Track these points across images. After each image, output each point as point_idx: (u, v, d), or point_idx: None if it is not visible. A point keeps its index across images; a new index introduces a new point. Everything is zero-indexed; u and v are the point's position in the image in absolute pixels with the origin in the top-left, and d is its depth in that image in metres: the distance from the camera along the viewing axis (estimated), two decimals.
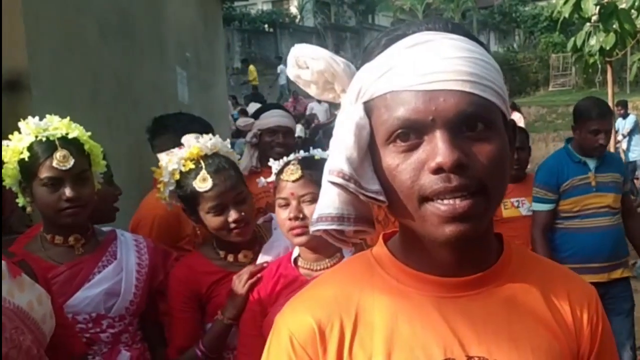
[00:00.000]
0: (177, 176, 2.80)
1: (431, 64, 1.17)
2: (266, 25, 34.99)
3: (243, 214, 2.80)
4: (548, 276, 1.38)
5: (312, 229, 1.32)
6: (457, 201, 1.15)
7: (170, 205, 2.95)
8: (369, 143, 1.25)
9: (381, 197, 1.25)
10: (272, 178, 2.75)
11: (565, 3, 8.54)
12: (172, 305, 2.86)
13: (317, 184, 2.52)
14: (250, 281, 2.67)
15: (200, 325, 2.89)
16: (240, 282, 2.68)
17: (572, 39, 9.22)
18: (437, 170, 1.15)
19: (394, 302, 1.29)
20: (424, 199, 1.18)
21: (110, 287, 2.76)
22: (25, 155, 2.56)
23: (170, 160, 2.81)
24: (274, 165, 2.75)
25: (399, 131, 1.19)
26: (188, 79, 8.37)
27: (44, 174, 2.57)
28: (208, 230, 2.88)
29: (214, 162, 2.81)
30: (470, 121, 1.17)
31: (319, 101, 20.63)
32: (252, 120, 4.44)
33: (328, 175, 1.26)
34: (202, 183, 2.76)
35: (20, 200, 2.67)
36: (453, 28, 1.24)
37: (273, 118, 4.40)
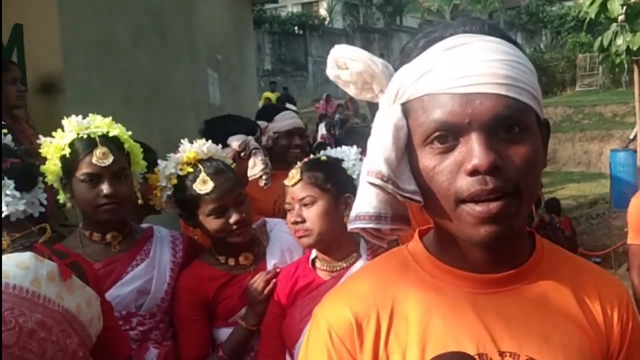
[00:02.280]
0: (175, 180, 2.80)
1: (468, 67, 1.18)
2: (296, 28, 34.97)
3: (244, 215, 2.79)
4: (579, 274, 1.38)
5: (350, 226, 1.34)
6: (492, 203, 1.16)
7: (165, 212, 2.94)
8: (406, 144, 1.26)
9: (417, 197, 1.26)
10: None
11: (591, 4, 8.47)
12: (181, 316, 2.82)
13: (317, 185, 2.53)
14: (267, 288, 2.69)
15: (209, 333, 2.88)
16: (257, 290, 2.70)
17: (599, 38, 9.14)
18: (473, 172, 1.16)
19: (429, 297, 1.31)
20: (461, 200, 1.19)
21: (141, 286, 2.77)
22: (67, 151, 2.59)
23: (167, 165, 2.81)
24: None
25: (436, 133, 1.20)
26: (219, 81, 8.42)
27: (84, 170, 2.60)
28: (206, 235, 2.88)
29: (212, 164, 2.81)
30: (506, 124, 1.18)
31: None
32: (264, 122, 4.35)
33: (367, 176, 1.27)
34: (203, 185, 2.74)
35: (61, 197, 2.70)
36: (489, 30, 1.25)
37: (289, 120, 4.29)
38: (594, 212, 13.78)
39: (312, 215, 2.54)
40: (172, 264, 2.86)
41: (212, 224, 2.76)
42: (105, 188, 2.61)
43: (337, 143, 13.57)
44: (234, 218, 2.75)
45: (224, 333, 2.83)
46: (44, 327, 2.03)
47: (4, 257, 2.06)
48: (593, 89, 27.47)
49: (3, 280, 1.98)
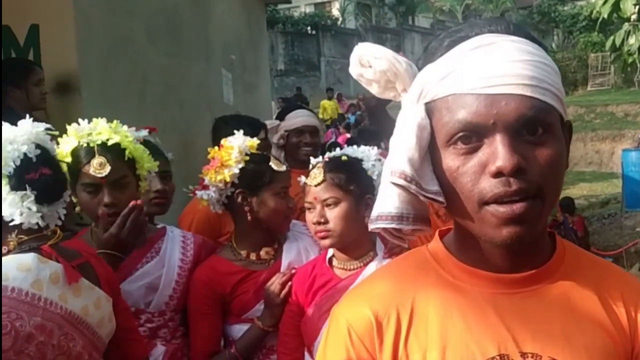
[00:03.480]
0: (247, 158, 2.85)
1: (493, 67, 1.18)
2: (309, 28, 34.94)
3: (292, 205, 2.94)
4: (601, 275, 1.37)
5: (371, 226, 1.33)
6: (516, 204, 1.16)
7: (213, 204, 2.94)
8: (429, 144, 1.26)
9: (440, 198, 1.26)
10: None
11: (604, 3, 8.46)
12: (194, 308, 2.86)
13: (341, 187, 2.55)
14: (284, 292, 2.71)
15: (221, 329, 2.92)
16: (275, 293, 2.73)
17: (611, 38, 9.12)
18: (497, 174, 1.16)
19: (449, 297, 1.31)
20: (484, 202, 1.19)
21: (150, 283, 2.80)
22: (69, 159, 2.60)
23: (236, 145, 2.87)
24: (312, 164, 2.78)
25: (460, 134, 1.20)
26: (233, 81, 8.43)
27: (84, 179, 2.61)
28: (257, 217, 2.88)
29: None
30: (530, 125, 1.17)
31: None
32: (277, 121, 4.40)
33: (390, 176, 1.27)
34: (279, 166, 2.89)
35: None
36: (515, 30, 1.25)
37: (299, 118, 4.37)
38: (606, 212, 13.75)
39: (335, 216, 2.56)
40: (182, 263, 2.89)
41: (276, 202, 2.85)
42: (105, 198, 2.62)
43: (349, 143, 13.56)
44: (292, 203, 2.91)
45: (237, 329, 2.87)
46: (44, 330, 2.02)
47: (5, 258, 2.05)
48: (605, 88, 27.36)
49: (3, 282, 1.96)
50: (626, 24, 8.84)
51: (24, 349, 1.95)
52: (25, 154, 2.14)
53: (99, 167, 2.59)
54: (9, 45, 4.62)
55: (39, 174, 2.16)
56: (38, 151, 2.18)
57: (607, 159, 18.73)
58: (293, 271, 2.76)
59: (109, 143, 2.63)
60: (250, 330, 2.81)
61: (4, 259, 2.05)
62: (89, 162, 2.59)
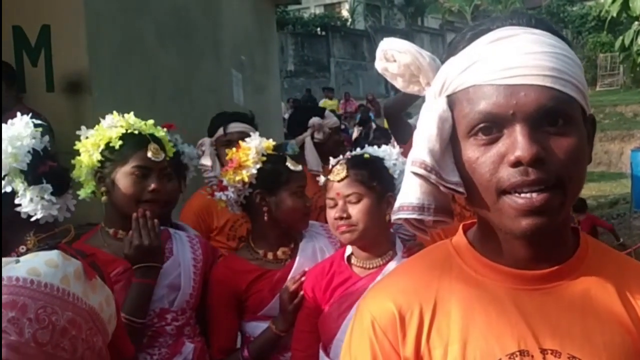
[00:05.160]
0: (264, 158, 2.88)
1: (513, 58, 1.19)
2: (318, 29, 34.92)
3: (309, 204, 2.97)
4: (624, 272, 1.35)
5: (393, 217, 1.35)
6: (535, 195, 1.16)
7: (232, 205, 2.98)
8: (450, 136, 1.27)
9: (460, 189, 1.26)
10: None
11: (613, 2, 8.38)
12: (214, 307, 2.91)
13: (363, 183, 2.56)
14: (296, 300, 2.73)
15: (237, 327, 2.95)
16: (287, 299, 2.75)
17: (620, 38, 9.03)
18: (516, 164, 1.16)
19: (471, 292, 1.31)
20: (502, 191, 1.19)
21: (171, 282, 2.81)
22: (117, 143, 2.63)
23: (254, 146, 2.91)
24: (332, 163, 2.79)
25: (481, 125, 1.20)
26: (243, 81, 8.46)
27: (136, 162, 2.65)
28: (276, 214, 2.91)
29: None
30: (550, 116, 1.17)
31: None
32: (319, 119, 4.51)
33: (411, 165, 1.27)
34: (294, 166, 2.91)
35: (82, 193, 2.69)
36: (536, 23, 1.26)
37: (334, 118, 4.58)
38: (615, 212, 13.71)
39: (357, 212, 2.57)
40: (194, 262, 2.92)
41: (294, 201, 2.89)
42: (153, 183, 2.67)
43: (355, 144, 13.55)
44: (309, 202, 2.95)
45: (253, 327, 2.89)
46: (75, 325, 2.03)
47: (29, 256, 2.06)
48: (614, 88, 27.31)
49: (34, 278, 1.97)
50: (635, 23, 8.78)
51: (60, 342, 1.96)
52: (33, 149, 2.17)
53: (156, 152, 2.68)
54: (21, 45, 4.66)
55: (48, 167, 2.19)
56: (42, 145, 2.21)
57: (616, 159, 18.69)
58: (303, 279, 2.76)
59: (156, 135, 2.74)
60: (264, 334, 2.83)
61: (29, 256, 2.05)
62: (144, 146, 2.66)
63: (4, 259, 2.00)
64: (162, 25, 6.00)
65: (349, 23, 38.89)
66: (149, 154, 2.65)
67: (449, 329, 1.29)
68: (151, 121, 2.79)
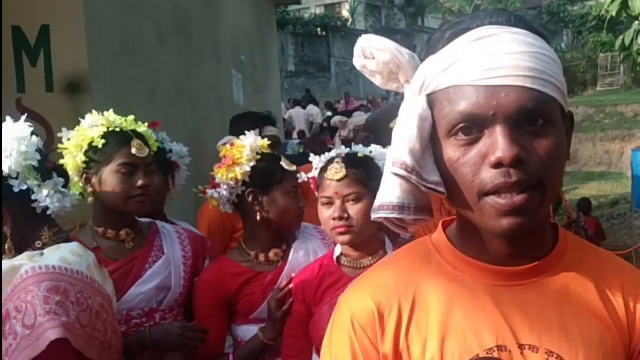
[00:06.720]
0: (259, 156, 2.86)
1: (493, 59, 1.19)
2: (319, 29, 34.94)
3: (303, 206, 2.93)
4: (603, 267, 1.37)
5: (373, 216, 1.35)
6: (515, 195, 1.17)
7: (224, 203, 2.95)
8: (430, 135, 1.27)
9: (441, 189, 1.28)
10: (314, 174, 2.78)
11: (612, 2, 8.38)
12: (201, 310, 2.87)
13: (362, 182, 2.53)
14: (283, 309, 2.70)
15: (226, 330, 2.93)
16: (275, 308, 2.72)
17: (620, 37, 9.02)
18: (497, 165, 1.17)
19: (450, 289, 1.32)
20: (484, 193, 1.20)
21: (161, 282, 2.80)
22: (99, 142, 2.64)
23: (249, 144, 2.89)
24: (315, 161, 2.77)
25: (461, 125, 1.21)
26: (243, 82, 8.46)
27: (121, 160, 2.66)
28: (270, 214, 2.88)
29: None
30: (531, 116, 1.18)
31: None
32: (346, 118, 4.59)
33: (391, 166, 1.28)
34: (289, 166, 2.89)
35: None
36: (516, 21, 1.26)
37: (364, 116, 4.62)
38: (615, 212, 13.73)
39: (357, 212, 2.55)
40: (184, 259, 2.91)
41: (287, 202, 2.86)
42: (140, 179, 2.68)
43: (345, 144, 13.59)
44: (303, 203, 2.91)
45: (245, 330, 2.87)
46: (104, 309, 2.12)
47: (52, 248, 2.12)
48: (614, 88, 27.26)
49: (67, 266, 2.04)
50: (636, 22, 8.78)
51: (95, 325, 2.04)
52: (38, 147, 2.22)
53: (140, 148, 2.69)
54: (20, 46, 4.64)
55: (52, 163, 2.28)
56: (41, 144, 2.26)
57: (616, 159, 18.68)
58: (290, 286, 2.72)
59: (138, 131, 2.75)
60: (252, 342, 2.81)
61: (52, 248, 2.12)
62: (127, 144, 2.67)
63: (29, 253, 2.09)
64: (162, 25, 6.00)
65: (349, 23, 38.91)
66: (134, 150, 2.67)
67: (428, 325, 1.31)
68: (131, 117, 2.79)
